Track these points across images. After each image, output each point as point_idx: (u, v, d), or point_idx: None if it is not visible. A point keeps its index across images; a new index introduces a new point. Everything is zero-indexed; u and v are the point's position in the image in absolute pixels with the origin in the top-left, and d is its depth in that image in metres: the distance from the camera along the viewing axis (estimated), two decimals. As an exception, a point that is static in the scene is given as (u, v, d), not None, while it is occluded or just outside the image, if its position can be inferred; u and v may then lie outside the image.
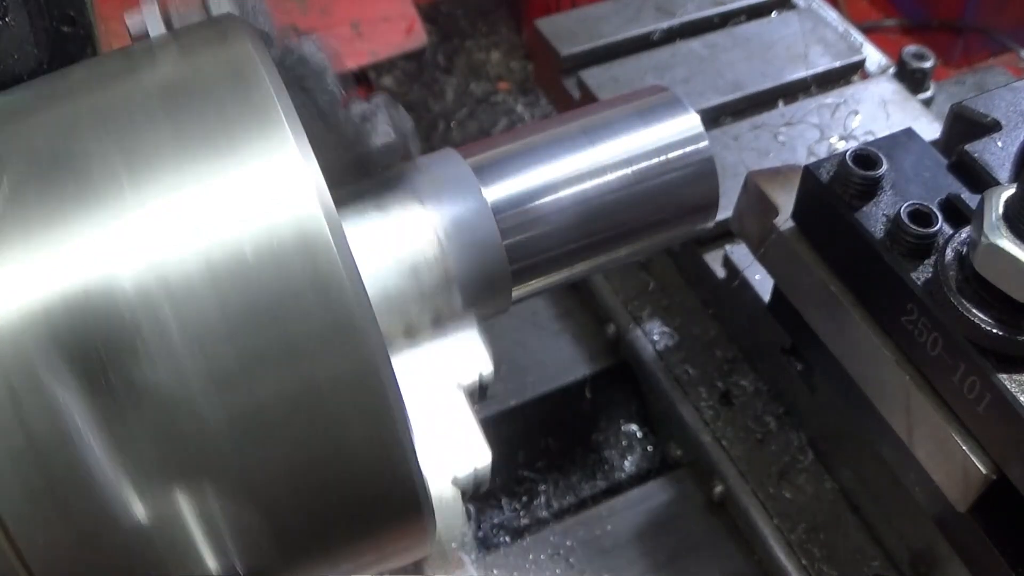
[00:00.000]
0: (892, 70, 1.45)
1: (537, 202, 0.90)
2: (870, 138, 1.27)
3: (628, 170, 0.93)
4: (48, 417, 0.62)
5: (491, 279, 0.87)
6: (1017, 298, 0.77)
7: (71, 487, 0.63)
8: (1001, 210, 0.78)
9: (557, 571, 1.20)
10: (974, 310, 0.80)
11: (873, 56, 1.49)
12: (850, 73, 1.46)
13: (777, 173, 0.99)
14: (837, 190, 0.89)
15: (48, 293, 0.63)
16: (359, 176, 0.85)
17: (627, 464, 1.38)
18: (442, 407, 0.86)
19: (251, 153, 0.66)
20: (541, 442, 1.42)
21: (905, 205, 0.86)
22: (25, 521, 0.63)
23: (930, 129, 1.28)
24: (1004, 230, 0.77)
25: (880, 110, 1.36)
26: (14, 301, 0.62)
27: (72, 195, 0.65)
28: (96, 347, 0.63)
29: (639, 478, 1.36)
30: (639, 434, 1.40)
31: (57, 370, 0.62)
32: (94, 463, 0.63)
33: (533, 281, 0.94)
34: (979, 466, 0.83)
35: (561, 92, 1.43)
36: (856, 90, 1.40)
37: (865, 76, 1.47)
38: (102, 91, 0.71)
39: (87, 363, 0.62)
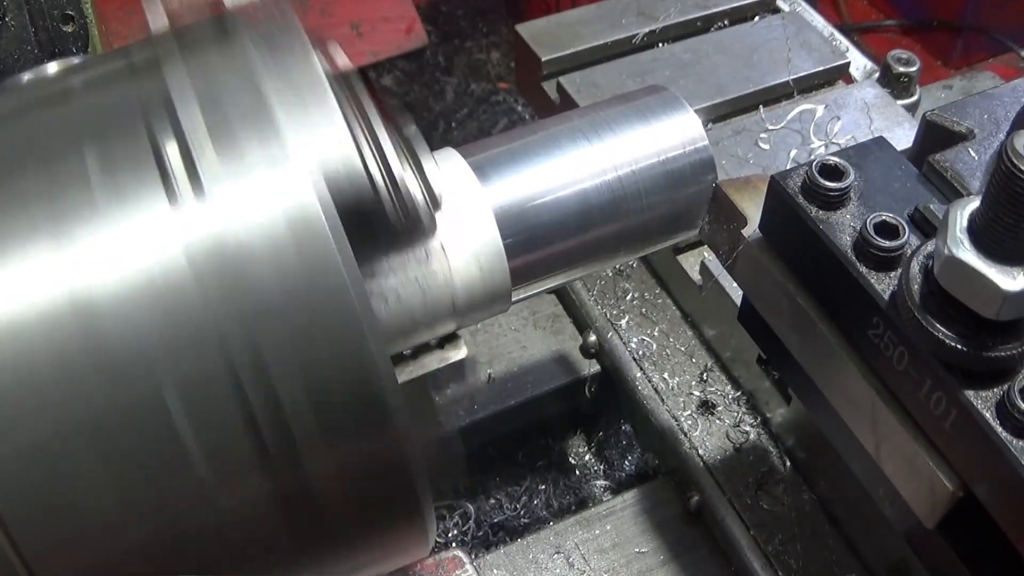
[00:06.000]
0: (877, 75, 1.43)
1: (537, 202, 0.90)
2: (852, 143, 1.25)
3: (628, 169, 0.93)
4: (48, 416, 0.62)
5: (491, 279, 0.87)
6: (981, 313, 0.76)
7: (72, 486, 0.64)
8: (965, 223, 0.77)
9: (557, 571, 1.20)
10: (938, 325, 0.78)
11: (858, 60, 1.48)
12: (834, 77, 1.44)
13: (746, 182, 0.97)
14: (803, 201, 0.88)
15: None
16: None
17: (627, 464, 1.38)
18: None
19: (251, 152, 0.66)
20: (541, 442, 1.42)
21: (871, 217, 0.84)
22: (25, 521, 0.63)
23: (912, 135, 1.26)
24: (967, 243, 0.76)
25: (863, 115, 1.34)
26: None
27: (71, 195, 0.65)
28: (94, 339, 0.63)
29: (640, 478, 1.35)
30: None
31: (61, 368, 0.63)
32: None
33: (533, 281, 0.94)
34: (946, 483, 0.82)
35: (542, 97, 1.42)
36: (839, 95, 1.38)
37: (849, 81, 1.46)
38: (100, 92, 0.72)
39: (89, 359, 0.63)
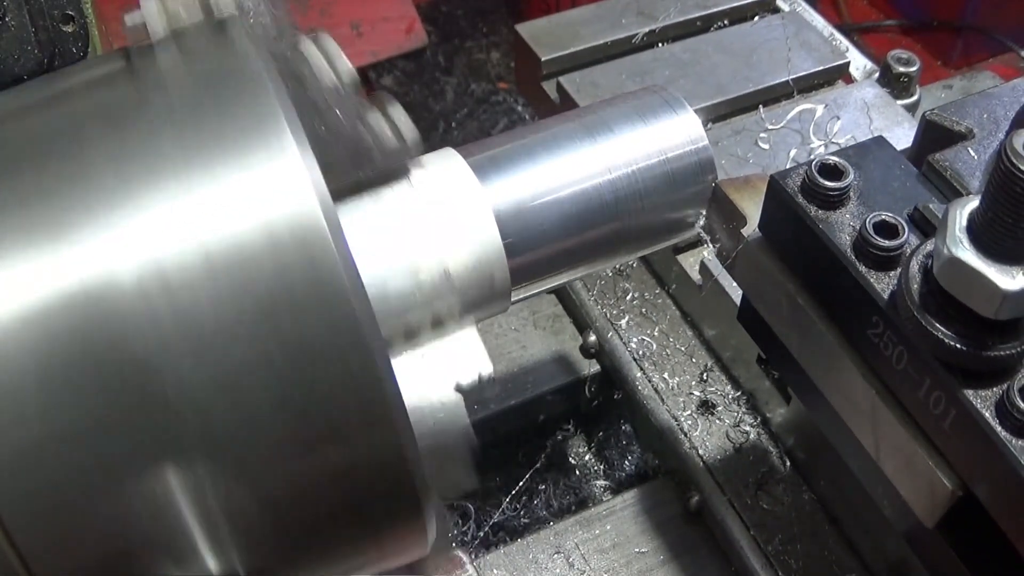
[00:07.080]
0: (877, 75, 1.43)
1: (537, 202, 0.90)
2: (852, 143, 1.25)
3: (628, 169, 0.93)
4: (49, 416, 0.63)
5: (491, 279, 0.88)
6: (980, 312, 0.76)
7: (72, 486, 0.64)
8: (965, 222, 0.77)
9: (557, 571, 1.20)
10: (938, 324, 0.78)
11: (858, 60, 1.48)
12: (834, 77, 1.44)
13: (746, 182, 0.97)
14: (803, 200, 0.88)
15: (49, 293, 0.64)
16: (357, 169, 0.85)
17: (627, 464, 1.38)
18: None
19: (252, 154, 0.66)
20: (541, 441, 1.42)
21: (871, 216, 0.84)
22: (25, 521, 0.63)
23: (912, 135, 1.26)
24: (967, 243, 0.76)
25: (863, 115, 1.34)
26: (17, 301, 0.63)
27: (75, 195, 0.66)
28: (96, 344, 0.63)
29: (640, 478, 1.35)
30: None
31: (60, 368, 0.63)
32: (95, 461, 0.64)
33: (533, 281, 0.94)
34: (945, 482, 0.82)
35: (542, 97, 1.42)
36: (839, 95, 1.38)
37: (849, 80, 1.45)
38: (103, 92, 0.72)
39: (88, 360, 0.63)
